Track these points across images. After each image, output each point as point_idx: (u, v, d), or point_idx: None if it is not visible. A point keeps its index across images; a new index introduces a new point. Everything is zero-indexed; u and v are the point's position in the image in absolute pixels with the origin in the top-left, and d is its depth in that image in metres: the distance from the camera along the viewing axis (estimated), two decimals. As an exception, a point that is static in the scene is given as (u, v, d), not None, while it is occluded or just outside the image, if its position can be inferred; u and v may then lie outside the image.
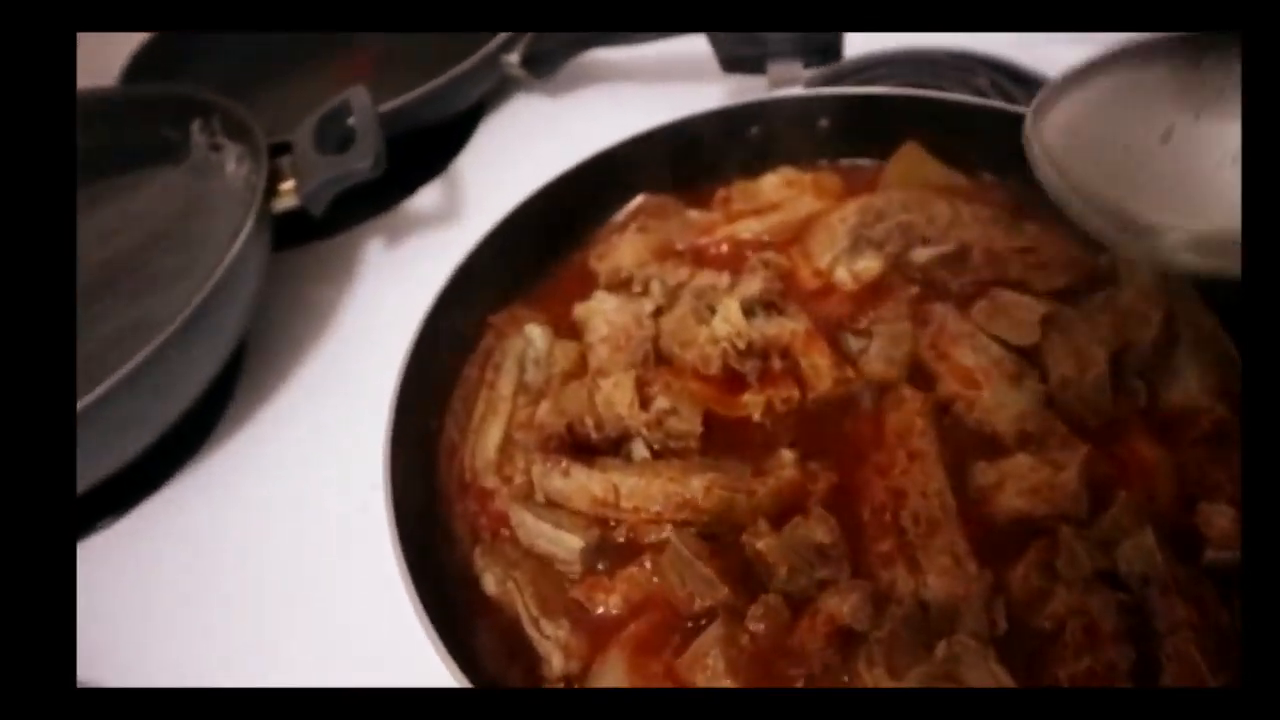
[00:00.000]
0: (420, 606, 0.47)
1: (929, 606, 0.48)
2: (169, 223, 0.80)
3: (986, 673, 0.45)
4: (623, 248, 0.71)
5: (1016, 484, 0.53)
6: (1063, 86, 0.48)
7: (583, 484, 0.56)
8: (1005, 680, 0.44)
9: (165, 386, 0.66)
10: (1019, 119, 0.66)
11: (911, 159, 0.71)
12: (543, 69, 0.98)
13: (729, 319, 0.62)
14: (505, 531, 0.57)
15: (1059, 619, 0.48)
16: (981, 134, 0.69)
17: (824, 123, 0.74)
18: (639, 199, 0.74)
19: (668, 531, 0.54)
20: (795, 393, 0.60)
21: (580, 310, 0.68)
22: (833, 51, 0.78)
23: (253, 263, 0.72)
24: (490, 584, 0.55)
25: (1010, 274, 0.63)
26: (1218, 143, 0.44)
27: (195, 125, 0.82)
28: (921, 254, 0.66)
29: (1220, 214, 0.42)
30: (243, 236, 0.69)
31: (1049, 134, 0.47)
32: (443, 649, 0.46)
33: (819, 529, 0.51)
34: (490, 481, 0.60)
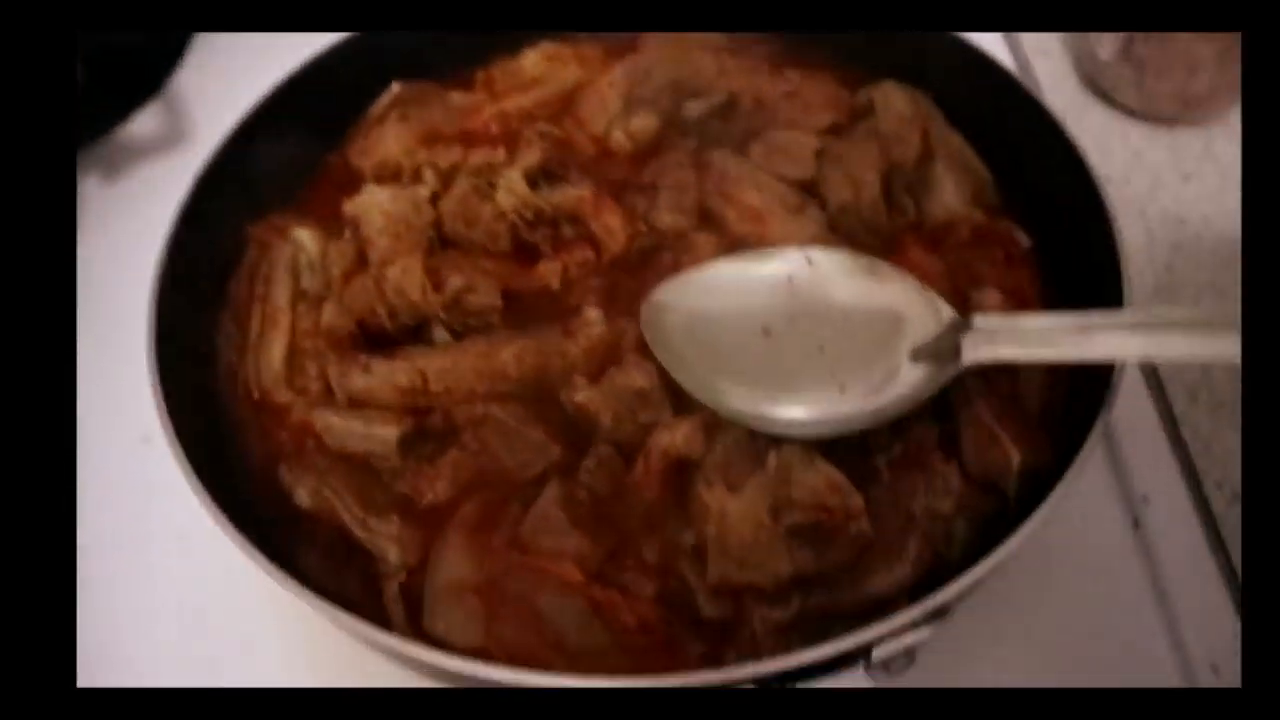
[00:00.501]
0: (239, 536, 0.43)
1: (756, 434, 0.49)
2: None
3: (816, 473, 0.46)
4: (386, 139, 0.66)
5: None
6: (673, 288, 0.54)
7: (386, 376, 0.53)
8: (835, 476, 0.46)
9: None
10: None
11: (670, 19, 0.70)
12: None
13: (513, 190, 0.59)
14: (310, 442, 0.52)
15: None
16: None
17: (578, -8, 0.71)
18: (394, 88, 0.69)
19: (482, 407, 0.52)
20: (591, 255, 0.59)
21: (350, 206, 0.62)
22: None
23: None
24: (304, 497, 0.50)
25: (779, 117, 0.65)
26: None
27: None
28: (693, 107, 0.66)
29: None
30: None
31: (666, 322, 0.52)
32: (275, 570, 0.41)
33: (636, 375, 0.51)
34: (283, 396, 0.55)
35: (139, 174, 0.81)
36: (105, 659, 0.57)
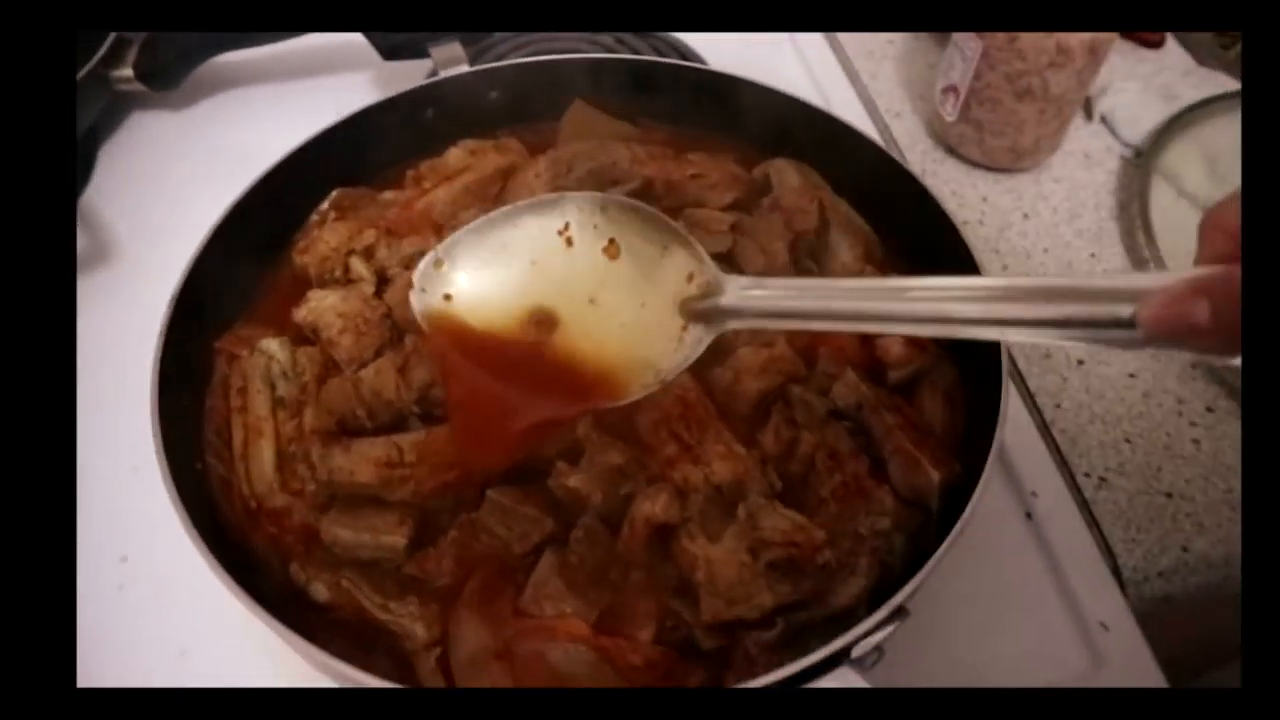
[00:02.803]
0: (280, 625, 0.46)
1: (720, 487, 0.56)
2: None
3: (780, 517, 0.54)
4: (325, 236, 0.70)
5: (748, 371, 0.61)
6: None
7: (365, 452, 0.57)
8: (797, 518, 0.54)
9: None
10: (667, 68, 0.78)
11: (581, 115, 0.78)
12: (162, 81, 0.90)
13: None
14: (315, 542, 0.56)
15: (808, 457, 0.59)
16: (634, 85, 0.79)
17: (494, 95, 0.78)
18: (333, 194, 0.74)
19: (450, 474, 0.57)
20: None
21: (303, 313, 0.66)
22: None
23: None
24: (322, 591, 0.54)
25: (689, 198, 0.74)
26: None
27: None
28: (613, 193, 0.74)
29: None
30: None
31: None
32: (335, 661, 0.46)
33: (612, 453, 0.56)
34: (279, 500, 0.58)
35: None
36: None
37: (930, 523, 0.57)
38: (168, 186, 0.89)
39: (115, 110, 0.94)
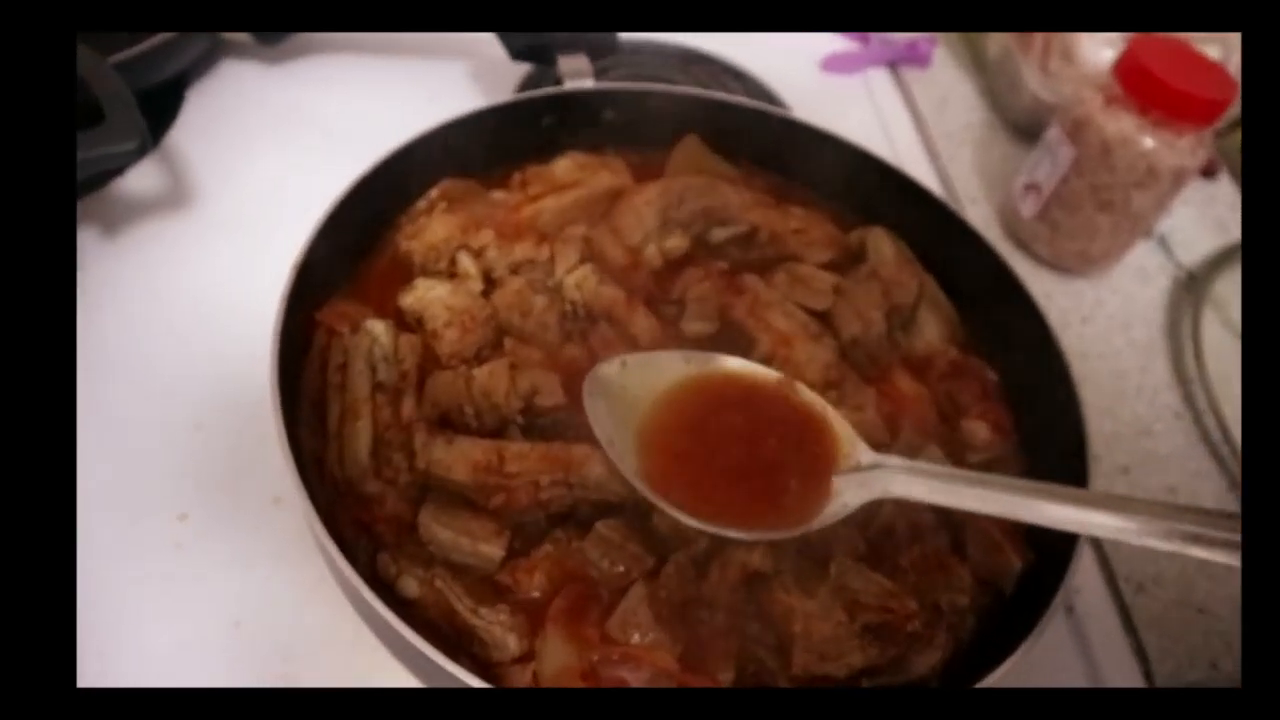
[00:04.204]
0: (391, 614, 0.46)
1: (810, 541, 0.57)
2: None
3: (866, 579, 0.56)
4: (433, 226, 0.71)
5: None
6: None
7: (466, 450, 0.57)
8: (886, 584, 0.55)
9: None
10: (769, 116, 0.79)
11: (691, 149, 0.79)
12: (271, 34, 0.89)
13: (582, 286, 0.67)
14: (407, 535, 0.56)
15: (889, 524, 0.61)
16: (743, 129, 0.80)
17: (609, 114, 0.79)
18: (443, 183, 0.74)
19: (548, 492, 0.57)
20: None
21: (410, 300, 0.66)
22: (610, 47, 0.83)
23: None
24: (412, 586, 0.54)
25: (789, 250, 0.75)
26: None
27: None
28: (719, 233, 0.75)
29: None
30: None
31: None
32: (435, 651, 0.45)
33: None
34: (372, 486, 0.57)
35: (140, 230, 0.79)
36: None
37: (999, 605, 0.59)
38: (250, 138, 0.88)
39: (208, 58, 0.92)
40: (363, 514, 0.57)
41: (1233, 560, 0.39)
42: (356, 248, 0.70)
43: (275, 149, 0.87)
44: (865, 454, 0.56)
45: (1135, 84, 0.78)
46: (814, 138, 0.81)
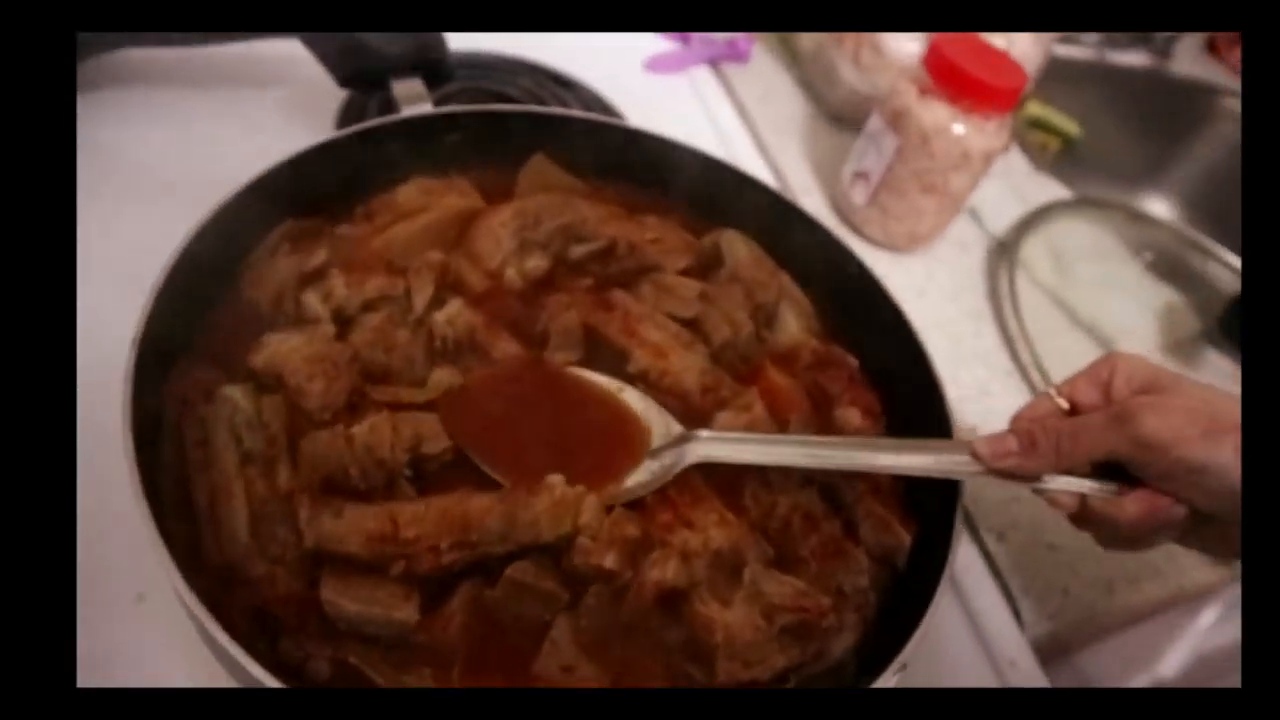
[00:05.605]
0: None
1: (721, 552, 0.58)
2: None
3: (779, 582, 0.57)
4: (278, 269, 0.66)
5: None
6: None
7: (356, 521, 0.54)
8: (798, 584, 0.57)
9: None
10: (610, 128, 0.80)
11: (539, 168, 0.78)
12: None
13: (452, 320, 0.65)
14: (310, 614, 0.52)
15: (785, 519, 0.63)
16: (587, 144, 0.80)
17: (453, 138, 0.77)
18: (283, 225, 0.69)
19: (449, 555, 0.55)
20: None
21: (262, 360, 0.62)
22: (446, 72, 0.81)
23: None
24: (323, 668, 0.50)
25: (649, 260, 0.76)
26: None
27: None
28: (578, 250, 0.75)
29: None
30: None
31: None
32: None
33: (629, 526, 0.57)
34: (259, 568, 0.53)
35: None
36: None
37: (895, 580, 0.63)
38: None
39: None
40: (253, 599, 0.53)
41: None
42: (199, 304, 0.64)
43: (81, 201, 0.78)
44: (675, 426, 0.63)
45: (946, 78, 0.85)
46: (654, 144, 0.82)
